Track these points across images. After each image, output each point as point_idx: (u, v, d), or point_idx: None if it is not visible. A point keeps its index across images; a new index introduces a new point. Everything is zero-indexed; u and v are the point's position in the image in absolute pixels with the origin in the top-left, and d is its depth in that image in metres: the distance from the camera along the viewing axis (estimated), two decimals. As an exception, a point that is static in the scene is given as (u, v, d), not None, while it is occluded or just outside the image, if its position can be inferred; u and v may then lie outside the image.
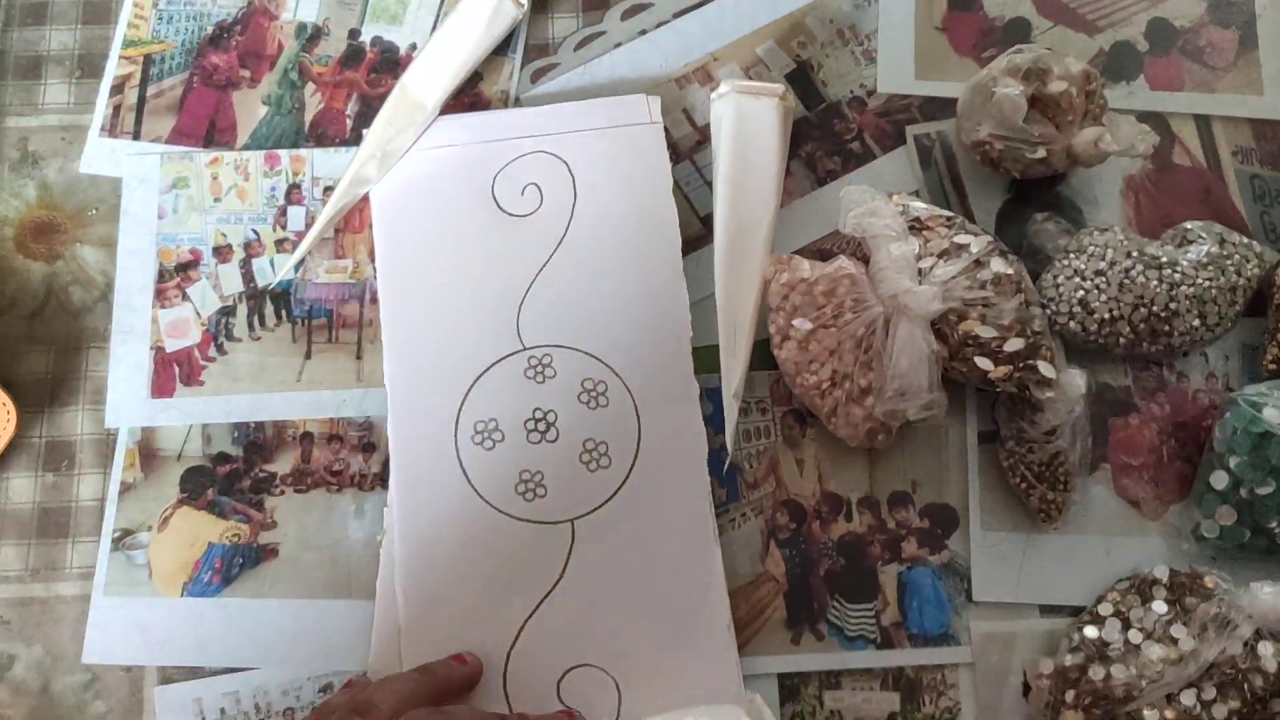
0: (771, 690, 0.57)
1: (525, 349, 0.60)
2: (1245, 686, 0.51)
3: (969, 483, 0.60)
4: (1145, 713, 0.52)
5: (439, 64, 0.63)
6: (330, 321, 0.63)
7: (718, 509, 0.59)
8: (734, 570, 0.59)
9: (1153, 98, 0.66)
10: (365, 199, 0.63)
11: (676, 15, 0.68)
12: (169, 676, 0.57)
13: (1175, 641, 0.52)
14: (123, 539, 0.59)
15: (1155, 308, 0.58)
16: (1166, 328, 0.58)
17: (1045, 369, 0.56)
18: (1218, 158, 0.65)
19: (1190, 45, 0.67)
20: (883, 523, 0.60)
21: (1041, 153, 0.60)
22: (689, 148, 0.66)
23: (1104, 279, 0.58)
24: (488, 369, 0.60)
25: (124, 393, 0.61)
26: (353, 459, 0.60)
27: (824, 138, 0.66)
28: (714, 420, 0.60)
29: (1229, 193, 0.64)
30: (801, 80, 0.67)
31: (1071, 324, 0.58)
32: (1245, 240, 0.60)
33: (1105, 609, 0.55)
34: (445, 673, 0.53)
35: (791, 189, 0.65)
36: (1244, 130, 0.65)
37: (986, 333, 0.56)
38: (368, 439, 0.60)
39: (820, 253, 0.63)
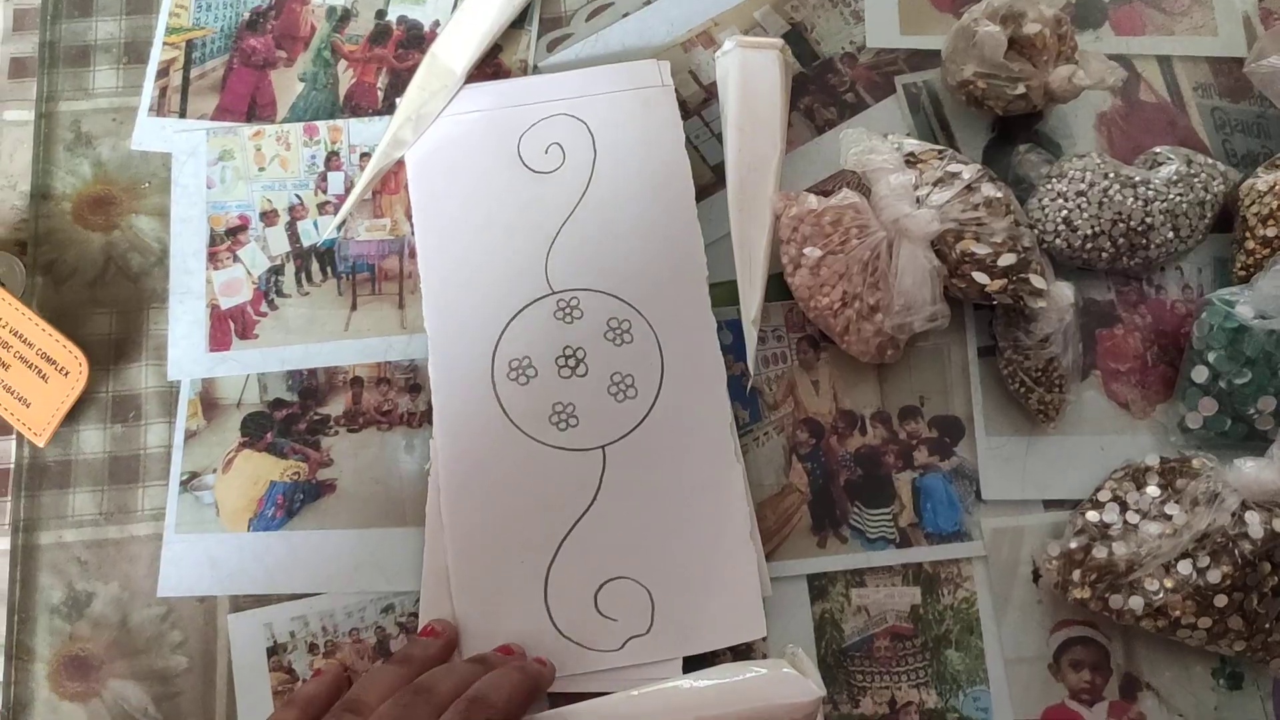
0: (802, 590, 0.61)
1: (554, 292, 0.65)
2: (1235, 552, 0.56)
3: (972, 393, 0.65)
4: (1146, 583, 0.57)
5: (466, 32, 0.68)
6: (373, 275, 0.67)
7: (742, 429, 0.64)
8: (760, 483, 0.63)
9: (1118, 42, 0.72)
10: (400, 162, 0.68)
11: (678, -15, 0.74)
12: (239, 605, 0.61)
13: (1169, 518, 0.57)
14: (190, 481, 0.63)
15: (1133, 222, 0.63)
16: (1144, 241, 0.63)
17: (1037, 280, 0.62)
18: (1180, 94, 0.71)
19: (1146, -8, 0.73)
20: (895, 434, 0.64)
21: (1021, 89, 0.65)
22: (696, 105, 0.71)
23: (1085, 199, 0.63)
24: (520, 311, 0.65)
25: (184, 348, 0.65)
26: (400, 399, 0.65)
27: (820, 91, 0.71)
28: (735, 349, 0.65)
29: (1192, 124, 0.70)
30: (796, 40, 0.73)
31: (1057, 241, 0.64)
32: (1211, 160, 0.66)
33: (1104, 495, 0.60)
34: (421, 653, 0.56)
35: (794, 138, 0.70)
36: (1203, 68, 0.71)
37: (981, 250, 0.61)
38: (413, 381, 0.65)
39: (824, 192, 0.68)
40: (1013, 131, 0.70)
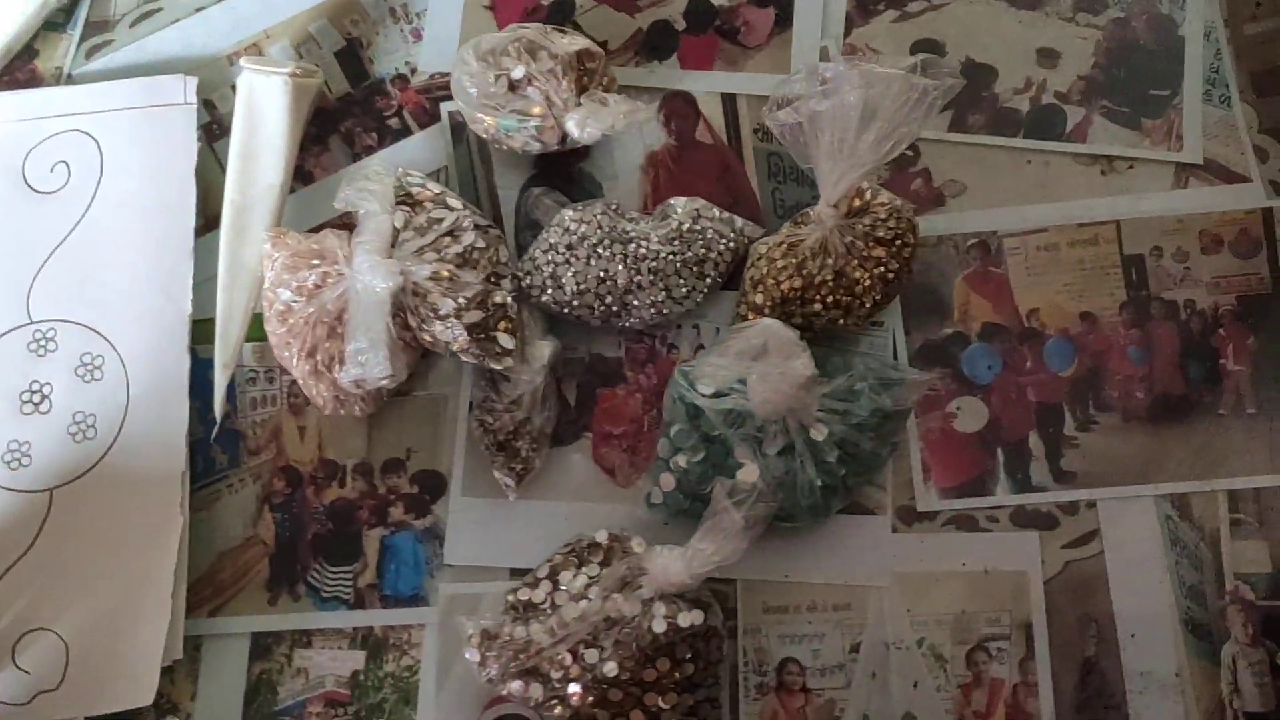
0: (243, 649, 0.59)
1: (32, 322, 0.62)
2: (634, 645, 0.53)
3: (456, 450, 0.62)
4: (550, 670, 0.54)
5: (-34, 39, 0.65)
6: None
7: (217, 475, 0.62)
8: (226, 534, 0.61)
9: (681, 75, 0.67)
10: (-98, 171, 0.65)
11: (237, -8, 0.70)
12: None
13: (590, 602, 0.55)
14: None
15: (619, 281, 0.59)
16: (634, 301, 0.60)
17: (504, 340, 0.58)
18: (739, 135, 0.66)
19: (727, 25, 0.68)
20: (374, 488, 0.62)
21: (530, 131, 0.61)
22: (235, 124, 0.67)
23: (574, 254, 0.60)
24: (-8, 339, 0.62)
25: None
26: None
27: (364, 114, 0.67)
28: (228, 388, 0.62)
29: (746, 169, 0.66)
30: (351, 58, 0.68)
31: (544, 297, 0.60)
32: (724, 216, 0.61)
33: (543, 571, 0.57)
34: None
35: (327, 165, 0.67)
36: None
37: (446, 305, 0.58)
38: (-116, 404, 0.62)
39: (347, 227, 0.65)
40: (554, 169, 0.66)
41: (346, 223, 0.65)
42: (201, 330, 0.63)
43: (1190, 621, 0.59)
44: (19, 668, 0.57)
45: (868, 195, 0.60)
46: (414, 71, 0.68)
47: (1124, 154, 0.65)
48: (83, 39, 0.69)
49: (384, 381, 0.58)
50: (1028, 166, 0.65)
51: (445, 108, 0.67)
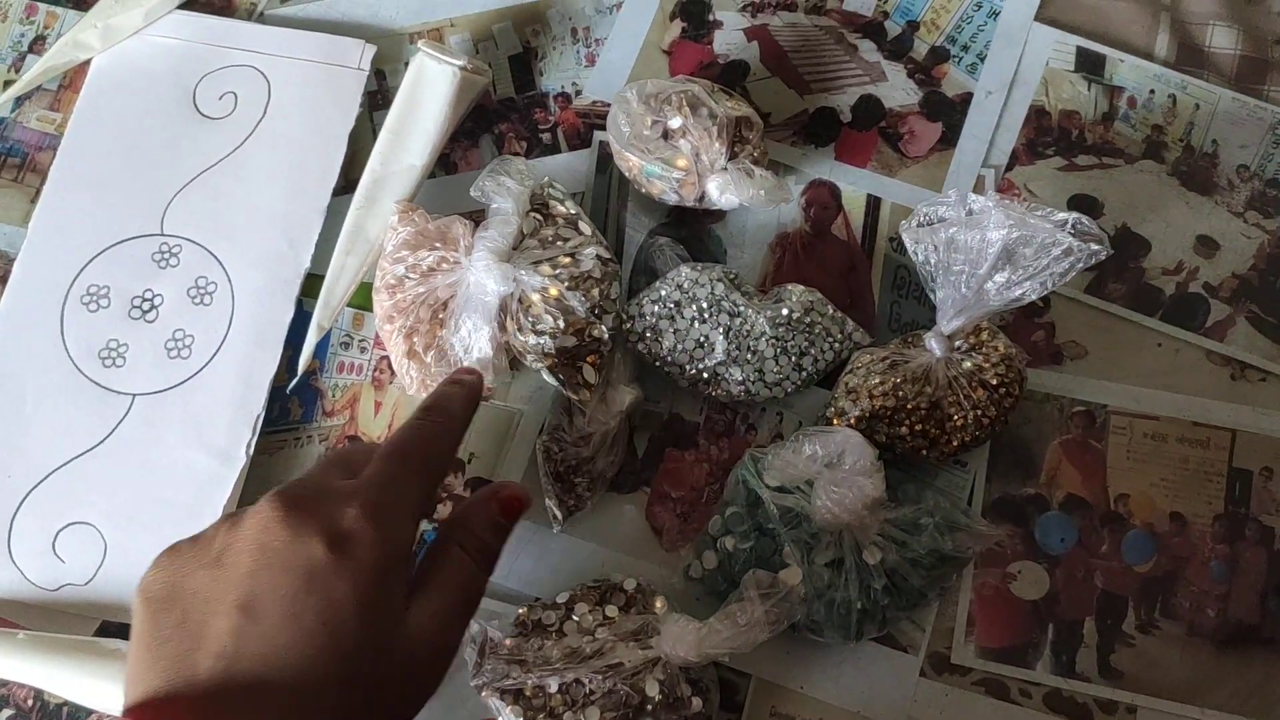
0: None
1: (162, 234, 0.65)
2: (624, 700, 0.52)
3: (515, 467, 0.62)
4: (533, 699, 0.53)
5: (179, -41, 0.68)
6: (23, 163, 0.68)
7: (288, 425, 0.63)
8: (280, 483, 0.61)
9: (833, 166, 0.67)
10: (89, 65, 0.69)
11: (435, -23, 0.72)
12: None
13: (595, 639, 0.54)
14: None
15: (717, 351, 0.59)
16: (726, 374, 0.59)
17: (588, 374, 0.59)
18: (874, 239, 0.66)
19: (892, 128, 0.68)
20: (428, 481, 0.62)
21: (672, 181, 0.61)
22: (398, 99, 0.69)
23: (681, 312, 0.60)
24: (122, 241, 0.65)
25: None
26: (-8, 286, 0.66)
27: (520, 121, 0.69)
28: (319, 346, 0.64)
29: (872, 275, 0.65)
30: (523, 64, 0.70)
31: (640, 346, 0.60)
32: (837, 315, 0.61)
33: (562, 598, 0.57)
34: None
35: (473, 160, 0.68)
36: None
37: (545, 322, 0.58)
38: (9, 272, 0.65)
39: (475, 221, 0.66)
40: (686, 221, 0.66)
41: (475, 218, 0.66)
42: (308, 285, 0.64)
43: None
44: (56, 555, 0.59)
45: (984, 335, 0.59)
46: (578, 93, 0.69)
47: (1260, 365, 0.62)
48: (282, -18, 0.72)
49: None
50: (1157, 349, 0.63)
51: (598, 136, 0.68)
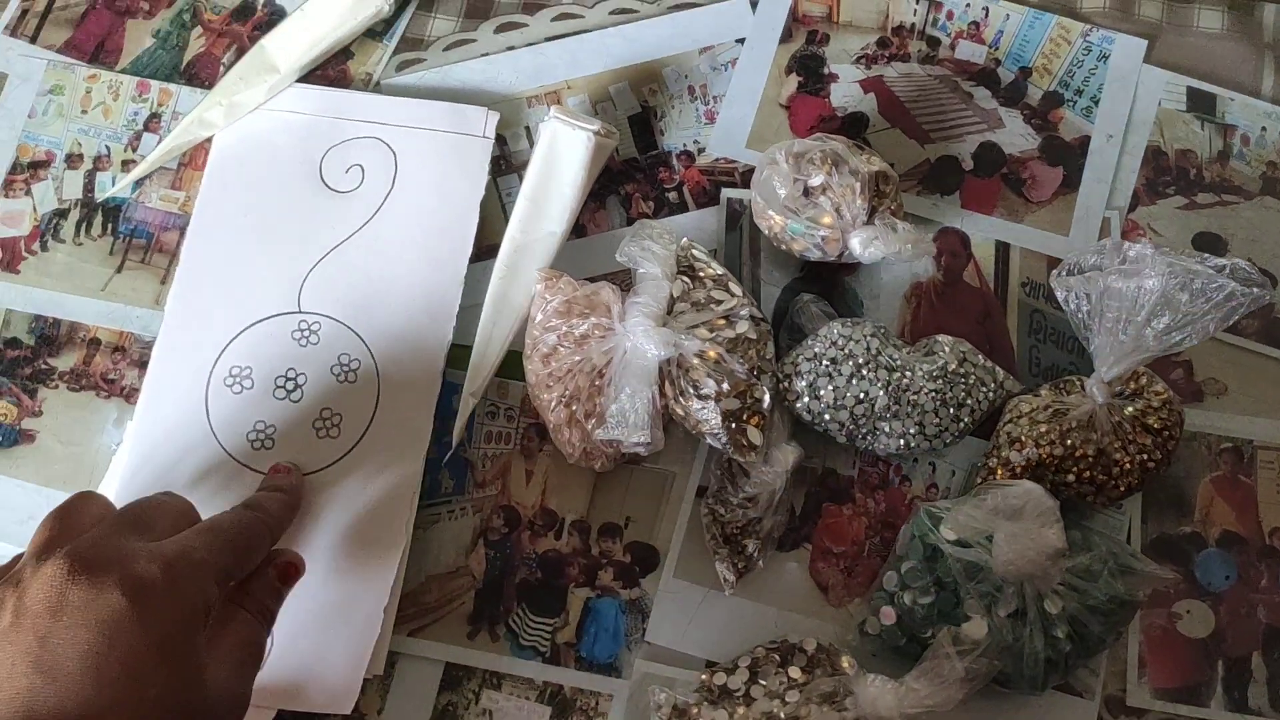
0: (436, 676, 0.60)
1: (300, 312, 0.64)
2: (828, 768, 0.53)
3: (676, 529, 0.62)
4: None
5: (300, 34, 0.68)
6: (149, 244, 0.67)
7: (441, 498, 0.63)
8: (438, 558, 0.62)
9: (961, 214, 0.68)
10: (209, 142, 0.68)
11: (548, 39, 0.72)
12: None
13: (786, 704, 0.55)
14: (-98, 393, 0.64)
15: (876, 406, 0.60)
16: (885, 428, 0.60)
17: (754, 435, 0.59)
18: (1006, 284, 0.67)
19: (1014, 174, 0.69)
20: (588, 547, 0.62)
21: (816, 238, 0.62)
22: (521, 163, 0.69)
23: (838, 369, 0.60)
24: (260, 320, 0.64)
25: (-54, 263, 0.66)
26: (129, 372, 0.65)
27: (647, 181, 0.69)
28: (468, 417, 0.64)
29: (1007, 320, 0.66)
30: (642, 124, 0.70)
31: (798, 404, 0.61)
32: (988, 365, 0.62)
33: (744, 660, 0.57)
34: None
35: (601, 222, 0.68)
36: (1039, 265, 0.67)
37: (709, 387, 0.59)
38: (147, 356, 0.65)
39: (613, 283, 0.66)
40: (820, 276, 0.67)
41: (613, 280, 0.66)
42: (452, 355, 0.64)
43: None
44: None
45: (1143, 380, 0.60)
46: (700, 151, 0.70)
47: (1396, 392, 0.64)
48: (396, 52, 0.72)
49: (639, 448, 0.59)
50: (1295, 382, 0.65)
51: (726, 193, 0.69)
